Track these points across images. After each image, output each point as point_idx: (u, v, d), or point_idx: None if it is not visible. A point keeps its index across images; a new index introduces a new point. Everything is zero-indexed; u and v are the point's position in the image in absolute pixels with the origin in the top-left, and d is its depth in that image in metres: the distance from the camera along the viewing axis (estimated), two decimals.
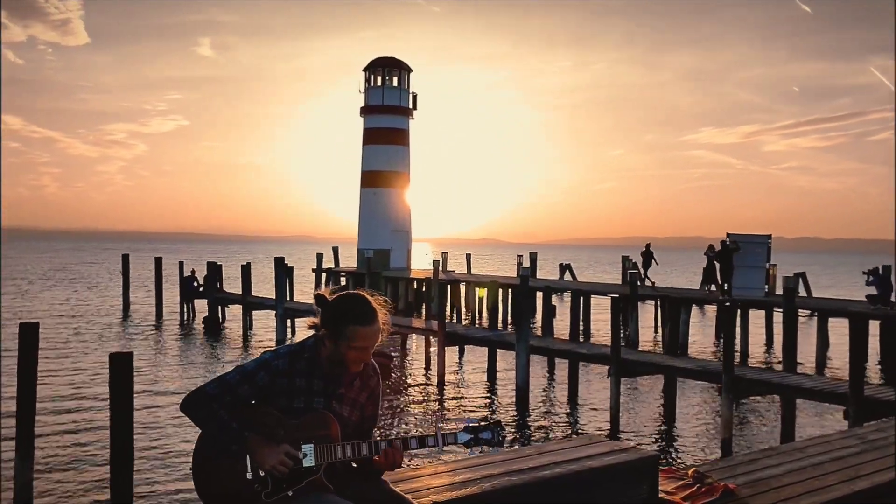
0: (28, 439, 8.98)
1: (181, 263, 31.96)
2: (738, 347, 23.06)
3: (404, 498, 2.94)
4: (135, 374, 6.73)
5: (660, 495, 4.52)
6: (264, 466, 2.72)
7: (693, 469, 5.05)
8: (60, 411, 14.06)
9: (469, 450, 2.92)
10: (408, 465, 3.77)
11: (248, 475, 2.74)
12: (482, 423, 2.95)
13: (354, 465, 2.92)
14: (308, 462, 2.78)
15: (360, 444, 2.85)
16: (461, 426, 2.96)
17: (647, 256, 29.21)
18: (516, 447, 6.84)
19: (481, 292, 32.23)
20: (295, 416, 2.82)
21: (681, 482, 4.87)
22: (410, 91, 41.14)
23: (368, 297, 2.88)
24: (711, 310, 31.06)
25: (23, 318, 22.49)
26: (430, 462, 6.13)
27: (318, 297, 2.88)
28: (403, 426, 13.84)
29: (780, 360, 18.87)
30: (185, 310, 29.90)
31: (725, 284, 23.14)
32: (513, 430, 13.67)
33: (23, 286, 48.27)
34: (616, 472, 3.81)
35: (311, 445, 2.79)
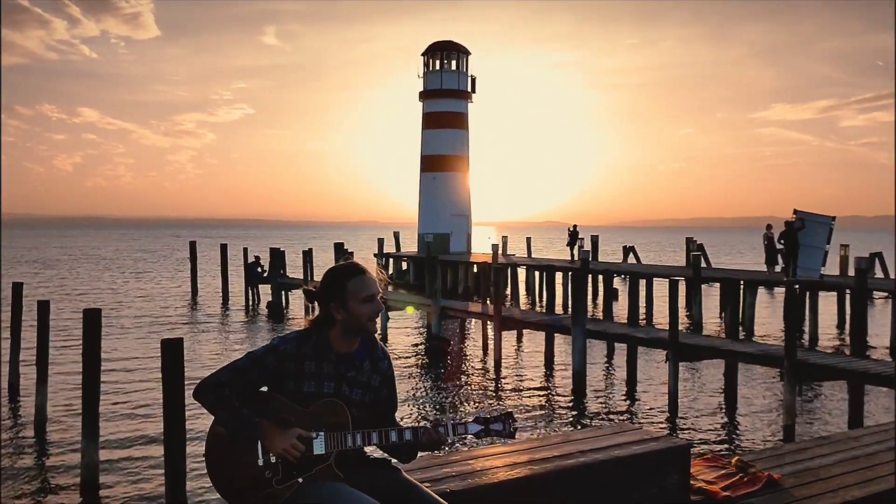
0: (93, 421, 9.36)
1: (245, 250, 32.81)
2: (806, 331, 22.35)
3: (418, 486, 2.92)
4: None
5: (698, 485, 4.40)
6: (275, 450, 2.73)
7: (736, 458, 4.90)
8: (126, 392, 14.60)
9: (480, 440, 2.89)
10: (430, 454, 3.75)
11: (260, 462, 2.76)
12: (493, 415, 2.92)
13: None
14: (318, 449, 2.79)
15: (370, 432, 2.84)
16: (472, 417, 2.94)
17: (574, 236, 34.02)
18: (543, 434, 6.76)
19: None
20: (305, 401, 2.82)
21: (723, 471, 4.73)
22: (469, 74, 40.99)
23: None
24: (781, 292, 30.22)
25: (105, 306, 23.46)
26: (450, 450, 6.11)
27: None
28: (446, 410, 13.89)
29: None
30: (250, 295, 30.66)
31: (791, 264, 22.38)
32: (568, 414, 13.56)
33: (114, 274, 50.29)
34: (644, 461, 3.71)
35: (322, 433, 2.80)
